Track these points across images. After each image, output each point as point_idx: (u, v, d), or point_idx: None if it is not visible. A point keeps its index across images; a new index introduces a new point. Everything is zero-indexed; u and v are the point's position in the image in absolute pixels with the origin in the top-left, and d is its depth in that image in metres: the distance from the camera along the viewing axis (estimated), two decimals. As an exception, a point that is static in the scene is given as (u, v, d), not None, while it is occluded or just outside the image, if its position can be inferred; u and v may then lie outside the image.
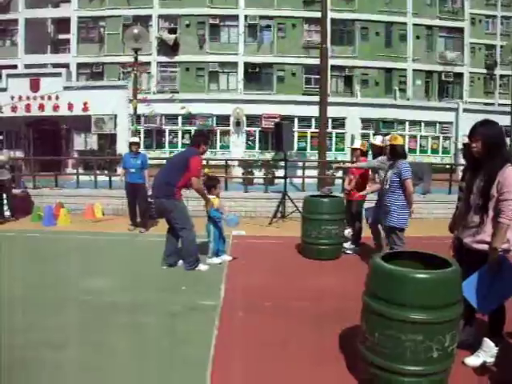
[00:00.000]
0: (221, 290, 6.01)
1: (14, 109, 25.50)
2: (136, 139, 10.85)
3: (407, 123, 26.64)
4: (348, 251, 8.23)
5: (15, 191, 13.26)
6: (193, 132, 25.35)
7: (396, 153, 6.53)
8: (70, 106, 24.71)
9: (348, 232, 8.70)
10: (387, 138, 6.87)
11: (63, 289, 6.08)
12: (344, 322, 4.65)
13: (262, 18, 28.67)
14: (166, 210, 6.81)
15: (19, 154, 24.94)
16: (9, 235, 10.02)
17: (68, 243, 9.31)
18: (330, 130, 22.77)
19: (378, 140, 8.18)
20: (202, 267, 6.88)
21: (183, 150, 8.65)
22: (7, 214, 12.31)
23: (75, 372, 3.83)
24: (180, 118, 25.34)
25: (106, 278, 6.57)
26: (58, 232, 10.41)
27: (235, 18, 28.77)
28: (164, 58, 28.57)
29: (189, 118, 25.18)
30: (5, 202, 12.35)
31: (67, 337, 4.52)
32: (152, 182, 7.32)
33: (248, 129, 25.96)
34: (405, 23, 29.69)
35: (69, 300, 5.63)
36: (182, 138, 25.34)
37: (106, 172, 18.23)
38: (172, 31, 28.83)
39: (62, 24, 31.48)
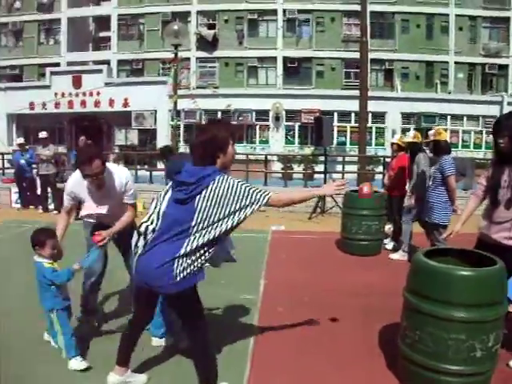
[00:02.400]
0: (260, 284, 6.01)
1: (57, 105, 26.28)
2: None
3: (449, 117, 26.08)
4: (388, 247, 8.12)
5: (59, 185, 13.62)
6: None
7: (440, 148, 6.35)
8: (111, 102, 25.27)
9: (388, 228, 8.59)
10: (431, 132, 6.69)
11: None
12: (385, 318, 4.59)
13: (300, 12, 28.43)
14: None
15: (62, 149, 25.53)
16: (54, 228, 10.26)
17: None
18: (369, 124, 22.47)
19: (409, 135, 7.96)
20: None
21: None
22: (51, 207, 12.70)
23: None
24: (220, 113, 25.45)
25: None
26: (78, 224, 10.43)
27: (274, 12, 28.61)
28: (203, 54, 28.68)
29: (229, 114, 25.26)
30: (49, 195, 12.79)
31: None
32: None
33: (287, 123, 25.91)
34: (447, 14, 28.91)
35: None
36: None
37: (146, 167, 18.50)
38: (211, 27, 28.93)
39: (103, 22, 32.04)
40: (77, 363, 3.76)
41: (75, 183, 4.19)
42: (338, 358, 3.99)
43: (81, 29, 32.44)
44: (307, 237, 9.31)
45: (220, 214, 2.98)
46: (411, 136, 7.77)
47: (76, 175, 4.19)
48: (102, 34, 32.76)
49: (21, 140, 14.12)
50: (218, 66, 28.74)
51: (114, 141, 26.66)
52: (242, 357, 3.95)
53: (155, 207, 3.21)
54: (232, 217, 2.99)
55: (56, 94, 26.24)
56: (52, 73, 27.43)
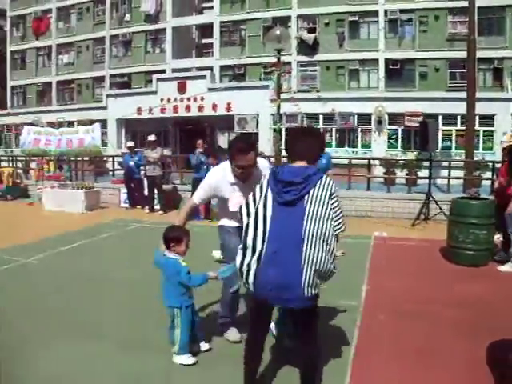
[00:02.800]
0: (362, 290, 5.91)
1: (162, 110, 27.35)
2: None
3: None
4: (497, 258, 7.57)
5: (165, 187, 14.17)
6: (334, 131, 25.41)
7: None
8: (214, 107, 25.92)
9: (497, 238, 8.04)
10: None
11: None
12: (491, 333, 4.17)
13: (402, 11, 27.65)
14: None
15: (167, 152, 26.55)
16: (159, 227, 10.63)
17: (210, 238, 9.55)
18: (477, 127, 21.45)
19: (507, 138, 7.45)
20: None
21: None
22: (157, 207, 13.24)
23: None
24: (321, 116, 25.34)
25: None
26: (202, 226, 10.43)
27: (375, 13, 28.04)
28: (304, 58, 28.70)
29: (332, 117, 25.09)
30: (155, 196, 13.32)
31: None
32: None
33: (390, 127, 25.31)
34: None
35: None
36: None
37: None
38: (311, 30, 28.91)
39: (206, 29, 33.12)
40: (185, 358, 3.89)
41: (219, 178, 4.11)
42: (441, 372, 3.78)
43: (185, 37, 33.69)
44: (410, 244, 9.06)
45: (326, 215, 2.93)
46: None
47: (219, 170, 4.16)
48: (204, 41, 33.84)
49: (131, 143, 14.82)
50: (318, 69, 28.63)
51: (216, 144, 27.32)
52: (341, 366, 3.87)
53: (255, 215, 3.05)
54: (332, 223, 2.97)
55: (162, 99, 27.36)
56: (158, 79, 28.67)
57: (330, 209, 2.94)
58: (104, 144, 23.95)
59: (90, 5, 36.30)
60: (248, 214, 3.09)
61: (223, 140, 27.05)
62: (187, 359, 3.91)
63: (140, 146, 20.41)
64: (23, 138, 15.07)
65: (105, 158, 23.18)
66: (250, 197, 3.15)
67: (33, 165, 20.32)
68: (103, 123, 25.90)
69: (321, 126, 25.51)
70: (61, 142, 14.24)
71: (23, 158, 21.36)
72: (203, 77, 27.25)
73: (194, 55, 34.23)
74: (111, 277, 6.66)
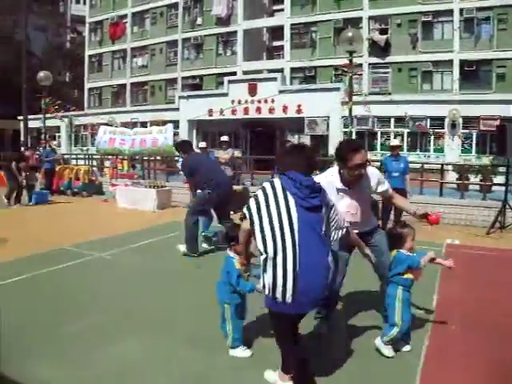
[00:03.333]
0: (433, 299, 5.74)
1: (233, 112, 27.80)
2: (396, 141, 10.69)
3: None
4: None
5: (235, 187, 14.30)
6: (405, 134, 25.00)
7: None
8: (285, 109, 26.12)
9: None
10: None
11: None
12: None
13: (479, 9, 26.75)
14: None
15: (238, 153, 26.97)
16: None
17: None
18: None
19: None
20: None
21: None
22: None
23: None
24: (392, 119, 25.01)
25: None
26: None
27: (449, 12, 27.26)
28: (375, 60, 28.38)
29: (403, 120, 24.72)
30: None
31: None
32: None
33: (464, 131, 24.60)
34: None
35: None
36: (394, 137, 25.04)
37: (317, 173, 18.79)
38: (383, 32, 28.58)
39: (276, 32, 33.41)
40: (240, 351, 4.09)
41: (326, 183, 3.85)
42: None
43: (256, 39, 34.15)
44: (484, 253, 8.71)
45: (329, 226, 3.21)
46: None
47: (328, 175, 4.22)
48: (275, 44, 34.16)
49: (203, 144, 14.93)
50: (390, 71, 28.27)
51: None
52: (410, 374, 3.82)
53: (278, 221, 3.06)
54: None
55: (233, 101, 27.78)
56: (229, 81, 29.19)
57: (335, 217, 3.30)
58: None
59: (164, 9, 37.47)
60: (252, 223, 3.17)
61: (293, 142, 27.22)
62: (242, 352, 4.11)
63: (211, 147, 20.84)
64: (99, 137, 15.51)
65: (176, 158, 23.79)
66: (253, 204, 3.20)
67: (107, 163, 21.07)
68: (175, 124, 26.61)
69: (392, 129, 25.19)
70: (135, 142, 14.59)
71: (98, 157, 22.19)
72: (274, 79, 27.49)
73: (264, 57, 34.62)
74: (181, 274, 6.89)
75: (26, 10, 26.83)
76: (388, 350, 4.10)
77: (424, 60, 27.30)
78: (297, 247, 3.00)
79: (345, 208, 4.16)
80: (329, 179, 4.18)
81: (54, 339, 4.49)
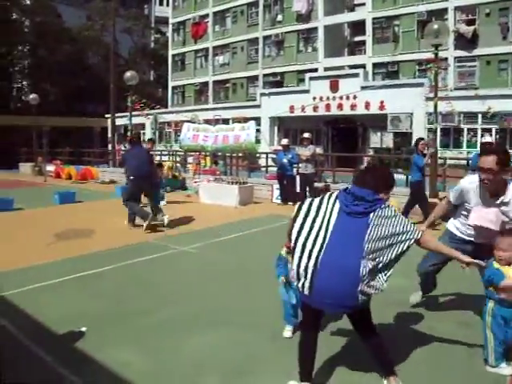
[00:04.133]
0: None
1: (315, 109, 27.84)
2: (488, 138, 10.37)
3: None
4: None
5: (317, 184, 14.37)
6: (493, 131, 24.05)
7: None
8: (367, 105, 25.91)
9: None
10: None
11: None
12: None
13: None
14: None
15: (319, 150, 27.04)
16: None
17: None
18: None
19: None
20: None
21: None
22: None
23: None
24: (480, 115, 24.14)
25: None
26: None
27: (545, -1, 25.94)
28: (461, 53, 27.44)
29: (492, 116, 23.75)
30: (307, 194, 13.51)
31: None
32: None
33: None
34: None
35: None
36: (481, 136, 24.12)
37: (399, 170, 18.56)
38: (470, 22, 27.58)
39: (358, 26, 33.15)
40: (285, 331, 4.60)
41: (469, 185, 4.19)
42: None
43: (336, 35, 34.09)
44: None
45: (385, 240, 3.21)
46: None
47: (476, 177, 4.17)
48: (356, 39, 33.92)
49: (285, 141, 14.99)
50: (478, 64, 27.27)
51: (369, 143, 27.31)
52: None
53: (320, 221, 3.33)
54: (393, 247, 3.23)
55: (314, 97, 27.87)
56: (311, 78, 29.29)
57: (394, 229, 3.25)
58: (257, 141, 25.05)
59: (244, 8, 38.12)
60: (296, 216, 3.44)
61: (376, 139, 26.97)
62: (285, 332, 4.52)
63: (293, 144, 21.03)
64: (183, 134, 15.89)
65: (258, 155, 24.22)
66: (308, 202, 3.49)
67: (190, 159, 21.71)
68: (257, 121, 27.04)
69: (479, 126, 24.32)
70: (217, 139, 14.83)
71: (182, 153, 22.92)
72: (356, 75, 27.29)
73: (346, 53, 34.50)
74: (261, 270, 6.83)
75: (114, 14, 28.12)
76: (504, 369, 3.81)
77: (517, 51, 26.04)
78: (324, 246, 3.23)
79: (476, 215, 4.18)
80: (475, 182, 4.17)
81: (137, 328, 4.80)
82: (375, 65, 30.81)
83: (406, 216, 7.38)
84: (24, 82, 48.10)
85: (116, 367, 3.96)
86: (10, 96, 46.48)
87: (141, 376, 3.83)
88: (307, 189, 13.45)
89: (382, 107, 25.55)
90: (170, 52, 45.34)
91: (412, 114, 24.77)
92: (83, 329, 4.68)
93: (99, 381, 3.84)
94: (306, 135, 13.92)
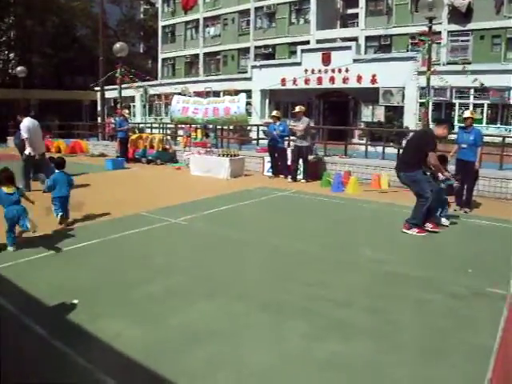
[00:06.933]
0: (511, 278, 5.52)
1: (307, 81, 27.68)
2: (467, 113, 10.14)
3: None
4: None
5: (310, 158, 14.33)
6: (485, 106, 23.99)
7: None
8: (359, 79, 25.70)
9: None
10: None
11: (349, 253, 6.54)
12: None
13: None
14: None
15: (311, 123, 26.89)
16: (302, 197, 11.05)
17: (354, 210, 9.72)
18: None
19: None
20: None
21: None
22: (299, 177, 13.41)
23: (355, 331, 4.19)
24: (472, 90, 23.99)
25: (389, 248, 6.81)
26: (345, 198, 10.80)
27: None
28: (455, 27, 27.09)
29: (482, 91, 23.61)
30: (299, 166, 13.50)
31: (348, 297, 4.91)
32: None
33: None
34: None
35: (352, 264, 6.05)
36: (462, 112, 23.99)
37: (391, 144, 18.52)
38: (465, -4, 27.22)
39: (350, -1, 32.64)
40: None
41: None
42: None
43: (329, 7, 33.63)
44: None
45: None
46: None
47: None
48: (349, 11, 33.51)
49: (275, 113, 14.91)
50: (471, 39, 27.00)
51: (360, 117, 27.18)
52: (483, 356, 3.74)
53: None
54: None
55: (306, 70, 27.57)
56: (303, 51, 28.92)
57: None
58: (248, 114, 24.84)
59: (236, -22, 37.37)
60: None
61: (367, 113, 26.82)
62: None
63: (284, 117, 20.86)
64: (173, 106, 15.76)
65: (249, 128, 24.05)
66: None
67: (180, 132, 21.56)
68: (248, 93, 26.77)
69: (471, 101, 24.21)
70: (208, 111, 14.74)
71: (172, 126, 22.73)
72: (348, 48, 26.94)
73: (338, 26, 34.03)
74: (253, 241, 7.08)
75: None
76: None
77: (509, 26, 25.82)
78: None
79: None
80: None
81: (129, 299, 4.81)
82: (368, 38, 30.43)
83: None
84: (11, 55, 47.18)
85: (107, 338, 3.97)
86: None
87: (132, 347, 3.84)
88: (300, 161, 13.42)
89: (373, 81, 25.34)
90: (160, 23, 44.57)
91: (404, 87, 24.62)
92: (75, 301, 4.68)
93: (91, 351, 3.82)
94: (298, 108, 13.67)
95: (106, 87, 27.54)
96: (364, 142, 18.54)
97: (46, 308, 4.59)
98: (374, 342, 3.97)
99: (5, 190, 6.34)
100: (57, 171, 7.96)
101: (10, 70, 45.25)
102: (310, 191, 11.72)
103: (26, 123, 11.30)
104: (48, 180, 7.99)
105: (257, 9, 36.04)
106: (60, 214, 7.62)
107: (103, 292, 5.02)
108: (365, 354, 3.78)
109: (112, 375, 3.47)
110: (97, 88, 30.64)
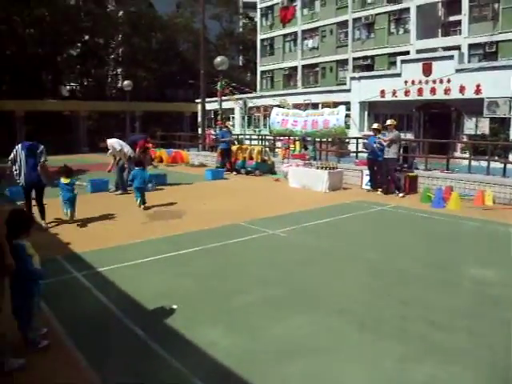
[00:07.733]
0: None
1: (406, 93, 27.14)
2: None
3: None
4: None
5: (409, 173, 14.10)
6: None
7: None
8: (462, 89, 24.83)
9: None
10: None
11: (451, 272, 6.42)
12: None
13: None
14: None
15: (410, 136, 26.39)
16: (401, 212, 11.00)
17: (457, 227, 9.51)
18: None
19: None
20: None
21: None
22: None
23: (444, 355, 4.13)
24: None
25: (494, 269, 6.59)
26: (446, 215, 10.57)
27: None
28: None
29: None
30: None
31: (447, 319, 4.83)
32: None
33: None
34: None
35: (454, 284, 5.95)
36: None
37: (497, 158, 17.76)
38: None
39: (453, 5, 31.56)
40: None
41: None
42: None
43: (430, 15, 32.76)
44: None
45: None
46: None
47: None
48: (451, 19, 32.41)
49: (376, 125, 14.80)
50: None
51: (462, 130, 26.24)
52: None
53: None
54: None
55: (406, 81, 27.05)
56: (402, 61, 28.33)
57: None
58: (347, 126, 24.81)
59: (333, -10, 37.52)
60: None
61: (470, 125, 25.85)
62: None
63: (382, 130, 20.64)
64: (272, 118, 16.21)
65: (347, 140, 24.02)
66: None
67: (279, 144, 21.97)
68: (346, 105, 26.74)
69: None
70: (307, 123, 14.99)
71: (271, 138, 23.18)
72: (450, 57, 26.07)
73: (439, 34, 33.07)
74: (351, 256, 7.20)
75: (203, 0, 28.61)
76: None
77: None
78: None
79: None
80: None
81: (226, 308, 5.07)
82: (471, 46, 29.26)
83: None
84: (118, 70, 50.41)
85: (203, 345, 4.22)
86: (106, 83, 48.99)
87: (225, 356, 4.04)
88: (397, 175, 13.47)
89: (478, 91, 24.34)
90: (259, 37, 45.68)
91: (511, 98, 23.50)
92: (174, 306, 5.05)
93: (186, 357, 4.05)
94: (390, 121, 13.77)
95: (207, 99, 28.64)
96: (467, 155, 17.97)
97: (146, 311, 4.98)
98: (474, 367, 3.97)
99: (63, 180, 9.20)
100: (136, 168, 11.10)
101: (116, 84, 48.47)
102: (409, 206, 11.67)
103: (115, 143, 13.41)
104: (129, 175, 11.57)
105: (355, 20, 35.96)
106: (139, 199, 10.72)
107: (202, 299, 5.30)
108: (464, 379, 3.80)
109: (205, 382, 3.66)
110: (197, 100, 31.90)
